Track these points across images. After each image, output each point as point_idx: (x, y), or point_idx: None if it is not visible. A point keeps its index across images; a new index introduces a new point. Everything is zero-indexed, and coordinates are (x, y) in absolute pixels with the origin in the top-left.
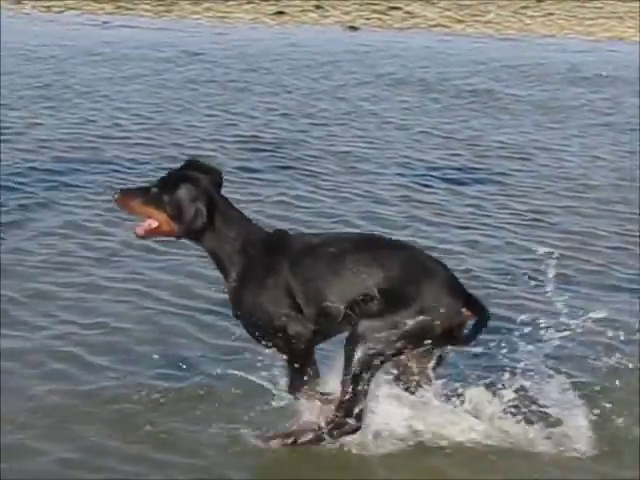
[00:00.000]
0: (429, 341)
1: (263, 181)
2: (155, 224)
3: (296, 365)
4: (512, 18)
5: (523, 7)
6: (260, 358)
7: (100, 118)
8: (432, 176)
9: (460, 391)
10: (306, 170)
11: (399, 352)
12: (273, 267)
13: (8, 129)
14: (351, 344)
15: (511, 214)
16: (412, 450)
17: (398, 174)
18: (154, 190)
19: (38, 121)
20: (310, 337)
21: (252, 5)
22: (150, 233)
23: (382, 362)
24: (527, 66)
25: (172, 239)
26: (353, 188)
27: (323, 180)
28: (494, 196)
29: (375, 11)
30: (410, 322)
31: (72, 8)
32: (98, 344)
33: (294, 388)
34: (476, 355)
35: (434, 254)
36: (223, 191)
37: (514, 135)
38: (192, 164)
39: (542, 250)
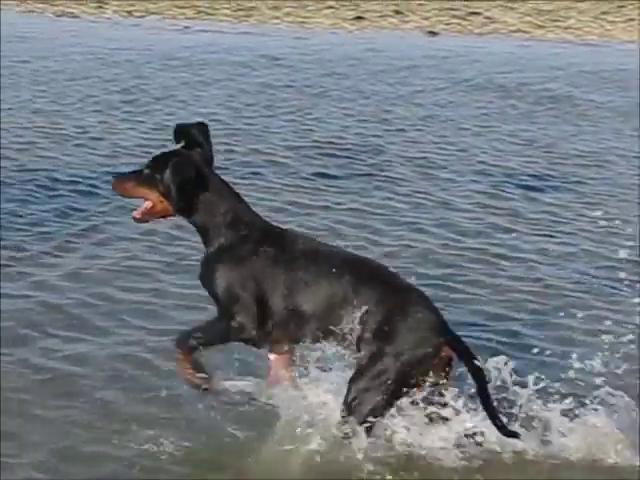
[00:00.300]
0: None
1: (338, 187)
2: (150, 204)
3: (212, 335)
4: (593, 23)
5: (604, 12)
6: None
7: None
8: (508, 183)
9: (530, 403)
10: (381, 176)
11: (394, 400)
12: (262, 254)
13: (85, 134)
14: (347, 412)
15: (586, 222)
16: (478, 463)
17: (474, 181)
18: (146, 171)
19: (115, 126)
20: (248, 337)
21: (332, 10)
22: (146, 214)
23: (380, 414)
24: (607, 72)
25: (169, 219)
26: (428, 194)
27: (398, 186)
28: (570, 203)
29: (455, 16)
30: (392, 370)
31: (153, 13)
32: (169, 350)
33: (183, 342)
34: (546, 364)
35: (506, 263)
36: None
37: (592, 142)
38: (181, 132)
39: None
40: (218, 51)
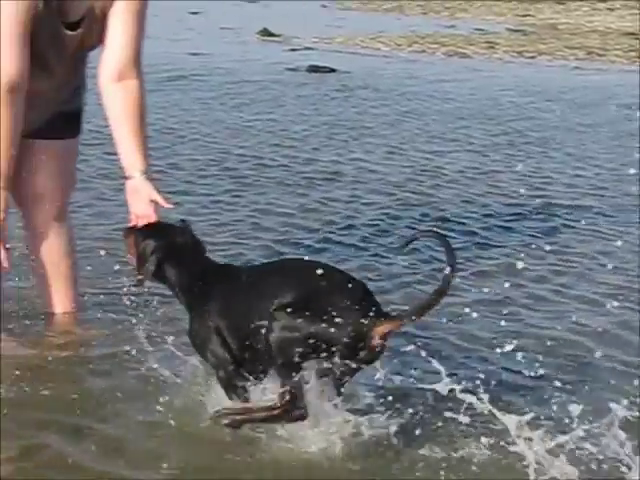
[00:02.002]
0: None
1: None
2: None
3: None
4: None
5: None
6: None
7: (555, 167)
8: None
9: None
10: None
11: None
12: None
13: (461, 173)
14: None
15: None
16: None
17: None
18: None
19: (491, 167)
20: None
21: None
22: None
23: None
24: None
25: None
26: None
27: None
28: None
29: None
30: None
31: (544, 53)
32: None
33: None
34: None
35: None
36: None
37: None
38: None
39: None
40: (605, 92)
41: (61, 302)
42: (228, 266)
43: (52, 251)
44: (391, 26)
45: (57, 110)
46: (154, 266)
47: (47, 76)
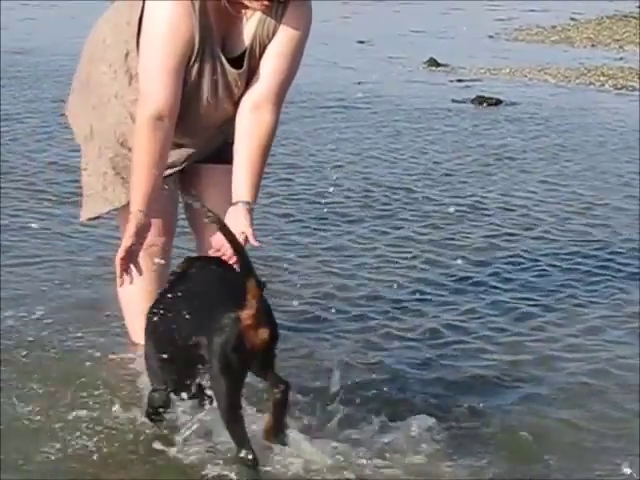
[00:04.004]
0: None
1: None
2: None
3: None
4: None
5: None
6: None
7: None
8: None
9: None
10: None
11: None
12: None
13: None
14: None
15: None
16: None
17: None
18: None
19: None
20: None
21: None
22: None
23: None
24: None
25: None
26: None
27: None
28: None
29: None
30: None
31: None
32: None
33: None
34: None
35: None
36: None
37: None
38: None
39: None
40: None
41: None
42: None
43: None
44: (558, 58)
45: (226, 140)
46: None
47: (213, 109)
